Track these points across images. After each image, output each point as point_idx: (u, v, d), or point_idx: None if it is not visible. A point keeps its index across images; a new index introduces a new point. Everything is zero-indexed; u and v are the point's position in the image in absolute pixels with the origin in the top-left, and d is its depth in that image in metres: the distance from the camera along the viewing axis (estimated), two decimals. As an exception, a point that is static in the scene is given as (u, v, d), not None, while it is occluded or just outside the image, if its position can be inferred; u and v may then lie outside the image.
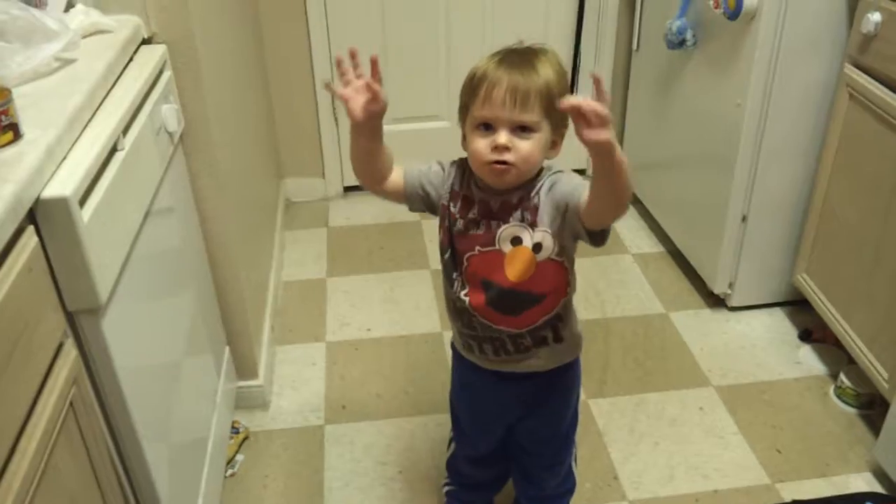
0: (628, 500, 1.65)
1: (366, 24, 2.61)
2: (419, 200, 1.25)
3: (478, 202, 1.18)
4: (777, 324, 2.17)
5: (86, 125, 1.05)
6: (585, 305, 2.24)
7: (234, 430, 1.79)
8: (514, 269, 1.18)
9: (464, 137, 1.16)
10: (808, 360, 2.03)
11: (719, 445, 1.78)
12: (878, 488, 1.66)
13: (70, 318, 0.98)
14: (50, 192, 0.90)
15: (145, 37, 1.37)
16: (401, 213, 2.72)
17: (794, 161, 1.98)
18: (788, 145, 1.95)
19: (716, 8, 1.92)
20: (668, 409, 1.88)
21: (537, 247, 1.16)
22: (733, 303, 2.20)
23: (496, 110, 1.08)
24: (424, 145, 2.79)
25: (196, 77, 1.45)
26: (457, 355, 1.37)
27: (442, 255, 1.25)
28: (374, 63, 1.09)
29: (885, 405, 1.65)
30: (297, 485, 1.70)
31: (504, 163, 1.09)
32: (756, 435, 1.81)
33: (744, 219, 2.05)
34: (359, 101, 1.11)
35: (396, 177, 1.25)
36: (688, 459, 1.75)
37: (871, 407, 1.85)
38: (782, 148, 1.95)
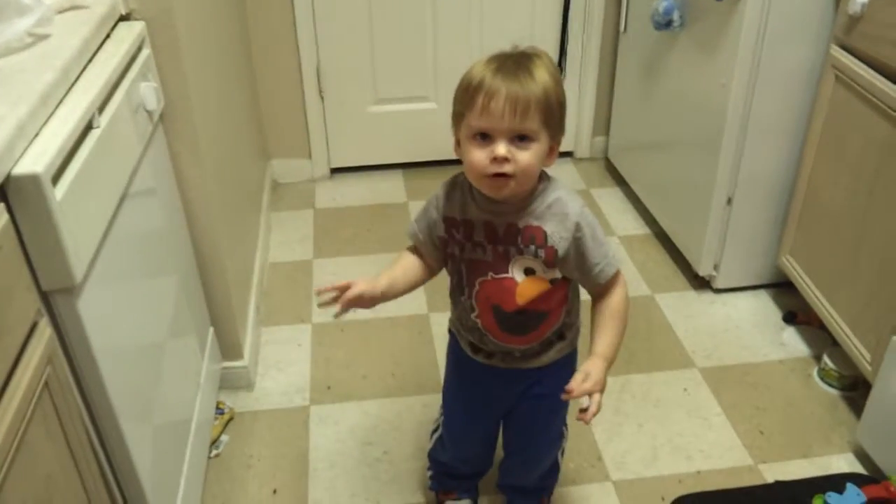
0: (612, 481, 1.66)
1: (352, 3, 2.58)
2: (443, 247, 1.23)
3: (482, 225, 1.15)
4: (762, 306, 2.17)
5: (59, 102, 1.03)
6: (571, 287, 2.24)
7: (219, 410, 1.79)
8: (525, 297, 1.18)
9: (457, 143, 1.12)
10: (793, 342, 2.04)
11: (703, 426, 1.79)
12: (859, 469, 1.67)
13: (45, 297, 0.97)
14: (21, 168, 0.88)
15: (123, 13, 1.35)
16: (387, 194, 2.74)
17: (779, 142, 1.97)
18: (774, 127, 1.95)
19: (703, -12, 1.91)
20: (652, 391, 1.89)
21: (552, 281, 1.18)
22: (718, 285, 2.20)
23: (494, 121, 1.03)
24: (412, 126, 2.79)
25: (176, 55, 1.43)
26: (456, 349, 1.35)
27: (452, 278, 1.24)
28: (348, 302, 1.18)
29: (868, 387, 1.66)
30: (281, 465, 1.70)
31: (503, 174, 1.06)
32: (739, 416, 1.82)
33: (729, 201, 2.05)
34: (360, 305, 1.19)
35: (417, 263, 1.26)
36: (671, 440, 1.76)
37: (853, 389, 1.86)
38: (768, 129, 1.95)
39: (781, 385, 1.91)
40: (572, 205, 1.13)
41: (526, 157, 1.05)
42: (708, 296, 2.22)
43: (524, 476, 1.49)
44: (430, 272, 1.26)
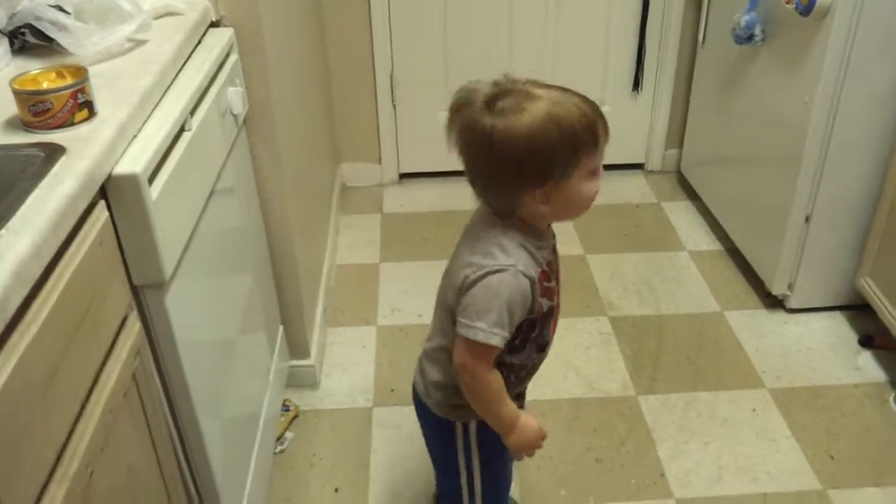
0: (675, 499, 1.64)
1: (427, 16, 2.61)
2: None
3: (546, 259, 1.11)
4: (837, 328, 2.11)
5: (156, 105, 1.08)
6: (639, 301, 2.22)
7: (285, 407, 1.83)
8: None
9: (544, 197, 1.02)
10: (868, 367, 1.98)
11: (771, 448, 1.75)
12: (935, 501, 1.62)
13: (135, 291, 1.01)
14: (121, 168, 0.93)
15: (213, 20, 1.40)
16: (455, 201, 2.75)
17: (861, 162, 1.92)
18: (856, 145, 1.90)
19: (787, 3, 1.87)
20: (719, 409, 1.86)
21: None
22: (792, 304, 2.15)
23: (603, 155, 1.04)
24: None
25: (261, 61, 1.48)
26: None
27: (541, 332, 1.14)
28: None
29: (948, 417, 1.60)
30: (343, 464, 1.73)
31: None
32: (809, 439, 1.77)
33: (807, 219, 2.00)
34: None
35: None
36: (737, 461, 1.72)
37: (932, 418, 1.79)
38: (850, 148, 1.90)
39: (855, 410, 1.85)
40: None
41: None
42: (781, 315, 2.17)
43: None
44: None
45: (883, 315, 1.89)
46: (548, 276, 1.09)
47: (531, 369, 1.22)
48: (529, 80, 1.04)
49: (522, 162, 0.99)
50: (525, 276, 1.03)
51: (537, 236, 1.08)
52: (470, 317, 1.03)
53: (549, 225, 1.13)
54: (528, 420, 1.15)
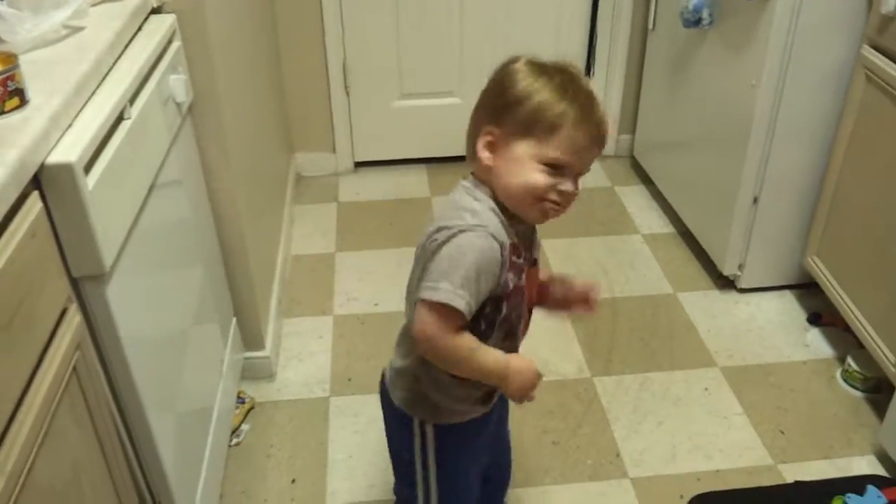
0: (629, 478, 1.66)
1: (379, 2, 2.59)
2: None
3: (521, 235, 1.08)
4: (786, 306, 2.16)
5: (92, 93, 1.05)
6: (593, 284, 2.24)
7: (241, 400, 1.81)
8: (536, 284, 1.17)
9: (490, 145, 1.03)
10: (817, 343, 2.03)
11: (723, 425, 1.78)
12: (881, 471, 1.66)
13: (75, 283, 0.99)
14: (55, 157, 0.90)
15: (155, 6, 1.37)
16: (410, 189, 2.75)
17: (807, 143, 1.96)
18: (802, 127, 1.93)
19: (732, -14, 1.89)
20: (672, 389, 1.88)
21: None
22: (743, 284, 2.19)
23: (573, 158, 0.99)
24: (436, 121, 2.79)
25: (205, 48, 1.45)
26: (459, 431, 1.19)
27: (508, 315, 1.09)
28: None
29: (892, 389, 1.64)
30: (301, 455, 1.72)
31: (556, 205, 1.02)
32: (760, 416, 1.81)
33: (755, 200, 2.04)
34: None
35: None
36: (691, 439, 1.75)
37: (877, 391, 1.84)
38: (796, 129, 1.93)
39: (804, 386, 1.89)
40: None
41: (578, 189, 1.02)
42: (732, 295, 2.21)
43: (504, 481, 1.49)
44: None
45: (829, 293, 1.93)
46: (518, 251, 1.06)
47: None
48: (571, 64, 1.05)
49: (488, 91, 1.04)
50: (496, 239, 1.00)
51: (508, 215, 1.05)
52: (433, 279, 0.98)
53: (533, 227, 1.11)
54: (520, 363, 1.07)
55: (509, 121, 1.00)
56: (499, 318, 1.07)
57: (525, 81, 1.00)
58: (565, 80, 1.01)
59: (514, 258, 1.05)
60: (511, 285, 1.05)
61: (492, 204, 1.03)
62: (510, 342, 1.13)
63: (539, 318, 1.20)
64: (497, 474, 1.44)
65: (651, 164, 2.71)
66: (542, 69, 1.02)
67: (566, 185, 1.00)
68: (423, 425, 1.17)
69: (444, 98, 2.78)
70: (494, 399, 1.20)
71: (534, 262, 1.14)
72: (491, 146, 1.03)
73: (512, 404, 1.26)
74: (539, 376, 1.09)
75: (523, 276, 1.09)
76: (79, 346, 0.96)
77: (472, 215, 1.01)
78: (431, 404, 1.15)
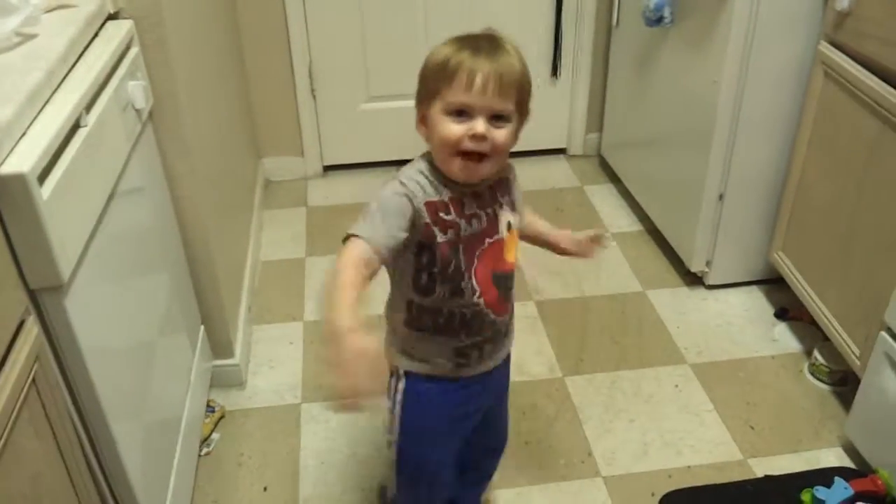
0: (602, 477, 1.66)
1: (343, 4, 2.58)
2: (403, 247, 1.09)
3: (470, 195, 1.13)
4: (754, 302, 2.18)
5: (46, 101, 1.03)
6: (563, 284, 2.24)
7: (210, 408, 1.79)
8: (511, 252, 1.19)
9: (421, 120, 1.12)
10: (784, 338, 2.05)
11: (694, 422, 1.80)
12: (848, 463, 1.68)
13: (32, 296, 0.97)
14: (7, 168, 0.88)
15: (111, 12, 1.35)
16: (380, 192, 2.74)
17: (770, 139, 1.98)
18: (765, 123, 1.95)
19: (693, -15, 1.91)
20: (643, 387, 1.90)
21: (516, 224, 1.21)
22: (710, 281, 2.21)
23: (476, 97, 1.04)
24: (404, 124, 2.76)
25: (164, 53, 1.43)
26: (430, 394, 1.24)
27: (445, 270, 1.13)
28: None
29: (857, 382, 1.66)
30: (272, 462, 1.70)
31: (479, 155, 1.06)
32: (730, 411, 1.82)
33: (720, 197, 2.06)
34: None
35: (364, 276, 1.04)
36: (662, 436, 1.76)
37: (843, 384, 1.86)
38: (758, 126, 1.95)
39: (772, 380, 1.92)
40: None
41: (502, 135, 1.07)
42: (700, 292, 2.22)
43: (488, 470, 1.51)
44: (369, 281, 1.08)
45: (795, 287, 1.96)
46: (449, 209, 1.11)
47: (461, 320, 1.17)
48: (492, 29, 1.13)
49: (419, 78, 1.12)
50: (405, 187, 1.09)
51: (445, 177, 1.12)
52: None
53: (483, 190, 1.15)
54: (354, 337, 0.92)
55: (424, 91, 1.10)
56: (435, 269, 1.13)
57: (433, 51, 1.10)
58: (468, 36, 1.09)
59: (442, 214, 1.10)
60: (440, 239, 1.11)
61: (421, 166, 1.13)
62: (458, 300, 1.16)
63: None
64: (474, 474, 1.47)
65: (618, 163, 2.73)
66: (453, 38, 1.10)
67: (477, 127, 1.04)
68: (398, 370, 1.25)
69: (412, 100, 2.73)
70: (464, 367, 1.22)
71: (506, 228, 1.18)
72: (423, 121, 1.12)
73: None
74: (352, 356, 0.92)
75: (462, 233, 1.12)
76: (38, 359, 0.94)
77: (397, 177, 1.13)
78: (399, 347, 1.23)
